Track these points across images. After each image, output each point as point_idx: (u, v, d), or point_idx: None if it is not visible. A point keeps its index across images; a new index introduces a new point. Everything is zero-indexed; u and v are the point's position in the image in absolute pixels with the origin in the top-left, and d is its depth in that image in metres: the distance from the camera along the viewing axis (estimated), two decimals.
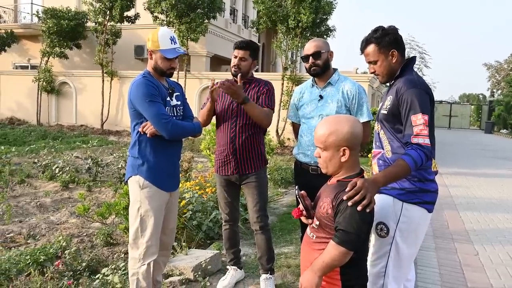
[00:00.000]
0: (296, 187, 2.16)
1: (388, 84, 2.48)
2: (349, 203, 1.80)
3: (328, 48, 3.05)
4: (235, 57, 3.22)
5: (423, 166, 2.20)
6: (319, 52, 3.00)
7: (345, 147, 1.89)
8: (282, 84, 13.99)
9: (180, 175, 6.00)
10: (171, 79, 2.92)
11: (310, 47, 3.03)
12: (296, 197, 2.05)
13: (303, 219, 2.08)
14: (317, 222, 1.96)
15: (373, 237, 2.39)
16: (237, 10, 22.68)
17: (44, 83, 17.09)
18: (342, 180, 1.93)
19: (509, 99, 30.79)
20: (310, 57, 3.00)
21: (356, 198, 1.81)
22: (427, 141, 2.10)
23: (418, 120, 2.12)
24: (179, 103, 2.84)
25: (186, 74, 15.38)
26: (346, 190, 1.83)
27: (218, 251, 3.86)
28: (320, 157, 1.97)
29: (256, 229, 3.31)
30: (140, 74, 2.73)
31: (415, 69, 2.48)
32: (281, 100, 13.61)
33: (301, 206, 2.04)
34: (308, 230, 2.05)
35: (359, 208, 1.79)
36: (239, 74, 3.14)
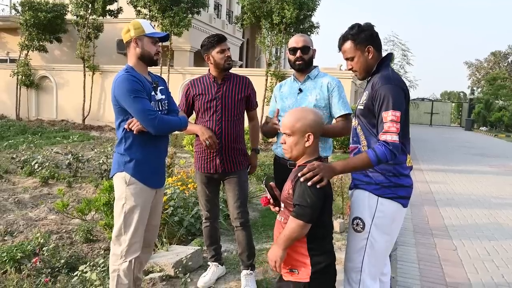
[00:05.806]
0: (265, 177, 2.32)
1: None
2: (301, 179, 2.00)
3: (313, 45, 3.08)
4: (223, 50, 3.16)
5: (397, 161, 2.23)
6: (308, 47, 3.01)
7: (310, 133, 2.08)
8: (266, 80, 13.99)
9: None
10: (153, 72, 2.89)
11: (299, 40, 3.02)
12: (265, 186, 2.23)
13: (271, 207, 2.26)
14: (282, 205, 2.17)
15: (348, 233, 2.41)
16: (221, 5, 22.55)
17: (23, 77, 16.75)
18: (302, 164, 2.12)
19: (489, 97, 31.40)
20: (299, 50, 3.00)
21: (308, 175, 2.00)
22: (394, 138, 2.12)
23: (389, 116, 2.15)
24: (163, 97, 2.80)
25: (170, 69, 15.26)
26: (304, 170, 2.03)
27: (199, 247, 3.84)
28: (285, 143, 2.15)
29: (237, 225, 3.30)
30: (122, 70, 2.67)
31: (397, 66, 2.50)
32: (264, 96, 13.61)
33: (268, 195, 2.24)
34: (278, 215, 2.23)
35: (309, 184, 1.98)
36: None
